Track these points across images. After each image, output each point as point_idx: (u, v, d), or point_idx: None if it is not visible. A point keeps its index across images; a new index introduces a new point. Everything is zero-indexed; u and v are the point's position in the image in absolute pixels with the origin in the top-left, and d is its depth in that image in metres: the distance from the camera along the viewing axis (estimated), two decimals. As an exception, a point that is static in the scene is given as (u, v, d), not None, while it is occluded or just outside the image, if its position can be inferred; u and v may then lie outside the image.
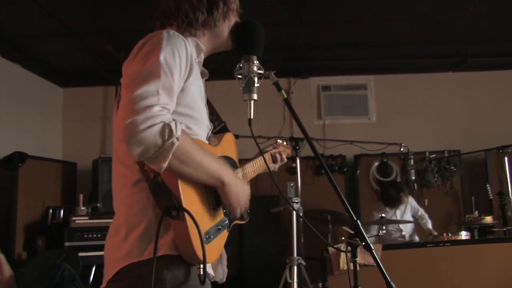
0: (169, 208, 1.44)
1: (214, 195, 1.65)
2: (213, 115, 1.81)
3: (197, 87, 1.67)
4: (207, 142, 1.74)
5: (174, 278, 1.49)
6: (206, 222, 1.57)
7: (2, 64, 5.51)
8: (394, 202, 5.52)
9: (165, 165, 1.40)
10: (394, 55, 6.38)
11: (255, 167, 2.14)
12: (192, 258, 1.49)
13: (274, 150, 2.41)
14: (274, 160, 2.42)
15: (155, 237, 1.44)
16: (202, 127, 1.70)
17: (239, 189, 1.67)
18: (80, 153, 6.63)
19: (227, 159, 1.85)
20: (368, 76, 6.92)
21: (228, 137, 1.92)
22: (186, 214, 1.44)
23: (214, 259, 1.64)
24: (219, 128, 1.84)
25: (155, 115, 1.36)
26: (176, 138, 1.39)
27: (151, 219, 1.51)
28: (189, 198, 1.49)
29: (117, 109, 1.61)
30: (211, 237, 1.58)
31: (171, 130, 1.37)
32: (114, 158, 1.66)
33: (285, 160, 2.45)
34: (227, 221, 1.73)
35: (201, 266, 1.48)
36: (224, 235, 1.70)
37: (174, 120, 1.41)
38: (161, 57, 1.47)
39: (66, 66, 6.49)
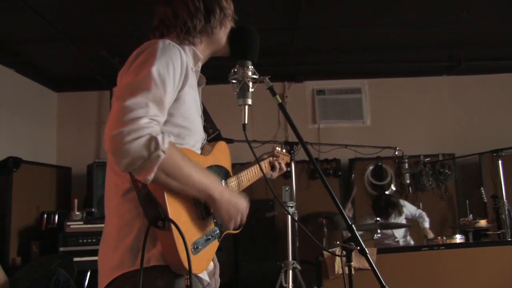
0: (155, 219, 1.43)
1: (203, 205, 1.63)
2: (208, 123, 1.81)
3: (191, 97, 1.66)
4: (199, 152, 1.73)
5: (168, 286, 1.49)
6: (194, 232, 1.56)
7: (-4, 69, 5.50)
8: (385, 215, 5.52)
9: (150, 177, 1.38)
10: (388, 59, 6.40)
11: (249, 175, 2.12)
12: (179, 269, 1.48)
13: (273, 159, 2.40)
14: (273, 168, 2.41)
15: (142, 248, 1.43)
16: (196, 138, 1.69)
17: (231, 203, 1.65)
18: (75, 157, 6.61)
19: (219, 168, 1.83)
20: (362, 80, 6.94)
21: (221, 146, 1.90)
22: (172, 225, 1.43)
23: (203, 269, 1.63)
24: (213, 136, 1.84)
25: (142, 127, 1.36)
26: (162, 151, 1.37)
27: (141, 229, 1.50)
28: (176, 208, 1.48)
29: None
30: (199, 247, 1.57)
31: (157, 143, 1.36)
32: (108, 166, 1.66)
33: (284, 169, 2.44)
34: (217, 231, 1.71)
35: (188, 276, 1.47)
36: (214, 245, 1.69)
37: (162, 133, 1.40)
38: (154, 69, 1.47)
39: (61, 71, 6.47)
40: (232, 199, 1.66)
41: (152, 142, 1.36)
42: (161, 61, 1.50)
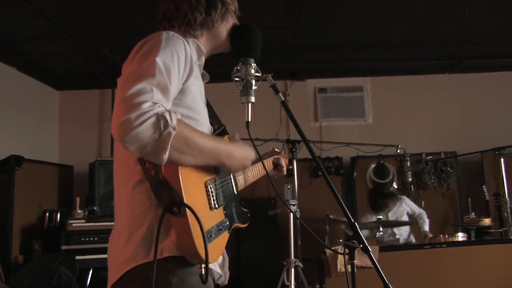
0: (170, 205, 1.41)
1: (215, 194, 1.64)
2: (213, 118, 1.79)
3: (197, 88, 1.66)
4: None
5: (180, 281, 1.48)
6: (206, 221, 1.54)
7: (-2, 67, 5.51)
8: (378, 207, 5.53)
9: (165, 156, 1.37)
10: (390, 57, 6.40)
11: (254, 172, 2.12)
12: (194, 257, 1.47)
13: (275, 159, 2.40)
14: (276, 167, 2.41)
15: (156, 236, 1.43)
16: (203, 129, 1.68)
17: (241, 159, 1.69)
18: (77, 156, 6.62)
19: None
20: (364, 78, 6.94)
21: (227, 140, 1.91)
22: (188, 210, 1.42)
23: (216, 259, 1.63)
24: (218, 131, 1.82)
25: (148, 109, 1.34)
26: (172, 127, 1.36)
27: (153, 220, 1.50)
28: (190, 195, 1.47)
29: None
30: (213, 236, 1.56)
31: (166, 121, 1.35)
32: (116, 161, 1.65)
33: (285, 173, 2.45)
34: (227, 222, 1.71)
35: (203, 265, 1.46)
36: (225, 236, 1.69)
37: (168, 110, 1.39)
38: (158, 58, 1.46)
39: (63, 69, 6.49)
40: (242, 153, 1.70)
41: (161, 121, 1.35)
42: (166, 51, 1.50)
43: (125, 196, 1.58)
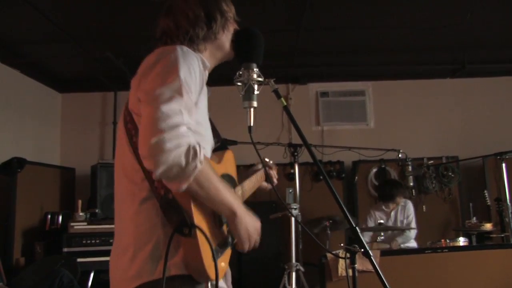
0: (180, 225, 1.42)
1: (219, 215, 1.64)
2: (213, 131, 1.79)
3: (204, 104, 1.66)
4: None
5: None
6: (212, 239, 1.55)
7: (1, 69, 5.52)
8: (386, 197, 5.54)
9: (184, 186, 1.38)
10: (392, 62, 6.40)
11: (251, 183, 2.11)
12: (202, 276, 1.47)
13: (268, 169, 2.31)
14: (267, 179, 2.31)
15: (165, 256, 1.41)
16: (208, 144, 1.69)
17: (250, 222, 1.66)
18: (79, 158, 6.63)
19: (229, 177, 1.84)
20: (366, 82, 6.94)
21: (229, 155, 1.90)
22: (198, 231, 1.42)
23: (222, 276, 1.64)
24: (217, 145, 1.82)
25: (182, 135, 1.35)
26: (200, 161, 1.38)
27: (160, 237, 1.49)
28: (199, 215, 1.48)
29: (124, 124, 1.61)
30: (219, 254, 1.58)
31: (195, 153, 1.37)
32: (119, 174, 1.64)
33: (276, 182, 2.29)
34: (229, 239, 1.71)
35: (212, 283, 1.46)
36: (228, 252, 1.70)
37: (198, 143, 1.40)
38: (181, 75, 1.46)
39: (65, 72, 6.50)
40: (251, 217, 1.68)
41: (191, 152, 1.36)
42: (184, 68, 1.49)
43: (131, 212, 1.56)
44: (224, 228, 1.68)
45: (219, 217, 1.63)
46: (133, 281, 1.49)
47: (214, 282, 1.48)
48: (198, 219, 1.47)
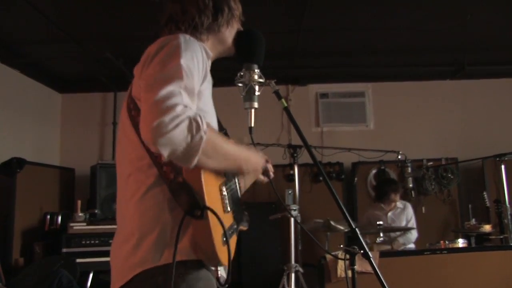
0: (192, 208, 1.42)
1: (228, 197, 1.64)
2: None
3: (209, 92, 1.67)
4: None
5: (187, 287, 1.48)
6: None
7: (1, 69, 5.52)
8: (379, 196, 5.56)
9: (195, 160, 1.38)
10: (392, 63, 6.41)
11: (249, 177, 2.09)
12: (211, 259, 1.47)
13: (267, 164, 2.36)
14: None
15: (176, 237, 1.42)
16: None
17: (256, 161, 1.76)
18: (78, 159, 6.63)
19: None
20: (366, 83, 6.95)
21: None
22: (209, 212, 1.42)
23: (229, 260, 1.63)
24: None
25: (181, 113, 1.35)
26: (204, 131, 1.37)
27: (167, 223, 1.49)
28: (210, 198, 1.47)
29: (127, 111, 1.61)
30: (228, 239, 1.56)
31: (198, 125, 1.36)
32: (123, 164, 1.64)
33: (272, 177, 2.37)
34: (235, 225, 1.71)
35: (219, 268, 1.47)
36: (234, 239, 1.70)
37: (198, 114, 1.39)
38: (182, 60, 1.46)
39: (65, 72, 6.50)
40: (254, 157, 1.76)
41: (193, 124, 1.35)
42: (187, 54, 1.50)
43: (135, 200, 1.55)
44: (231, 213, 1.68)
45: (228, 203, 1.63)
46: (135, 269, 1.49)
47: (223, 267, 1.47)
48: (210, 203, 1.45)
